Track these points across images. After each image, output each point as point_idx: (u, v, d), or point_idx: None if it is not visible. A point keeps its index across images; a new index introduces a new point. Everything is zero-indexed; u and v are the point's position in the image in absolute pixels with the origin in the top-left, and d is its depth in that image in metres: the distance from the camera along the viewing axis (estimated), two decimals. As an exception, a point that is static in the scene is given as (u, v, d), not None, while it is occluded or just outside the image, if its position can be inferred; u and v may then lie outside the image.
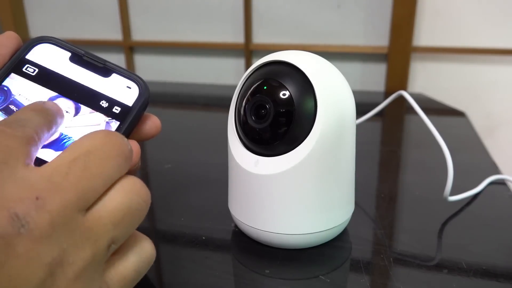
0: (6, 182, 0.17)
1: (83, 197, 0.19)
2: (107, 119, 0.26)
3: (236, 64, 1.07)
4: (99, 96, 0.26)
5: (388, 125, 0.72)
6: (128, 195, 0.20)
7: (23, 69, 0.26)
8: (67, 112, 0.26)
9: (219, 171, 0.43)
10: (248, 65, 1.04)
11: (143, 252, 0.22)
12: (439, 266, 0.33)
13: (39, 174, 0.18)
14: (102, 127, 0.26)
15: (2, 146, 0.18)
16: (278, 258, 0.34)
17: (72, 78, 0.27)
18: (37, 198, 0.17)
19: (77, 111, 0.26)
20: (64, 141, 0.25)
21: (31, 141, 0.20)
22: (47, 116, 0.22)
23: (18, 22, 1.16)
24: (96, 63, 0.27)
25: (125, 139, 0.22)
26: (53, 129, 0.23)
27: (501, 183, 0.46)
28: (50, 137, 0.23)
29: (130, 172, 0.26)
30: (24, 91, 0.26)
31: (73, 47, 0.28)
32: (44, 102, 0.23)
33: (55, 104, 0.24)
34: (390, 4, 0.91)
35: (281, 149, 0.32)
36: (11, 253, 0.16)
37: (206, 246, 0.35)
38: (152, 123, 0.28)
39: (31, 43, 0.27)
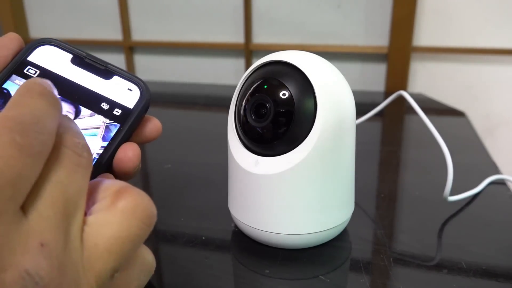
0: (8, 229, 0.15)
1: (79, 222, 0.17)
2: (106, 121, 0.26)
3: (236, 64, 1.06)
4: (100, 98, 0.26)
5: (388, 125, 0.72)
6: (129, 221, 0.18)
7: (25, 71, 0.26)
8: (68, 112, 0.26)
9: (219, 171, 0.43)
10: (248, 65, 1.04)
11: (144, 265, 0.21)
12: (439, 266, 0.33)
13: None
14: (102, 130, 0.26)
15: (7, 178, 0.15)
16: (278, 258, 0.34)
17: (73, 80, 0.27)
18: (41, 245, 0.16)
19: (77, 114, 0.26)
20: None
21: (43, 157, 0.17)
22: (56, 103, 0.18)
23: (18, 22, 1.16)
24: (97, 65, 0.27)
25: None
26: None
27: (501, 183, 0.46)
28: None
29: (131, 175, 0.26)
30: None
31: (74, 49, 0.28)
32: (39, 82, 0.19)
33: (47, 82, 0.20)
34: (390, 4, 0.91)
35: (281, 149, 0.32)
36: None
37: (206, 246, 0.35)
38: (153, 125, 0.27)
39: (32, 45, 0.27)
